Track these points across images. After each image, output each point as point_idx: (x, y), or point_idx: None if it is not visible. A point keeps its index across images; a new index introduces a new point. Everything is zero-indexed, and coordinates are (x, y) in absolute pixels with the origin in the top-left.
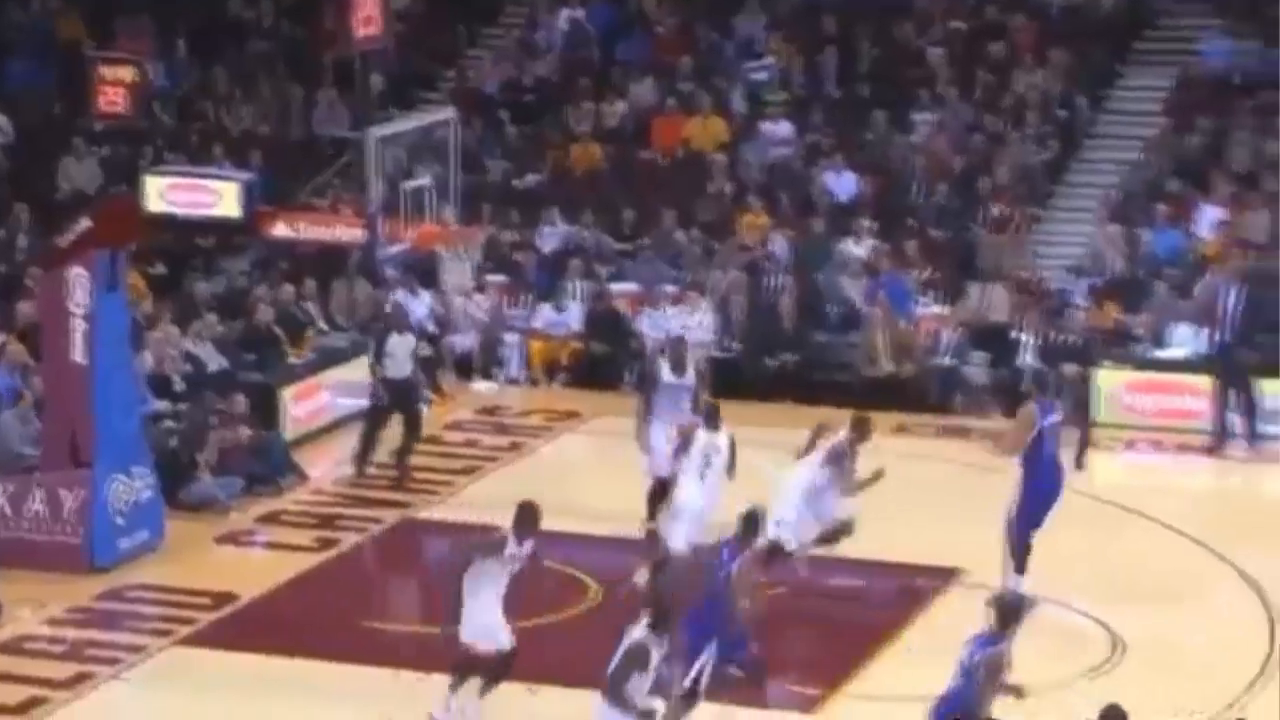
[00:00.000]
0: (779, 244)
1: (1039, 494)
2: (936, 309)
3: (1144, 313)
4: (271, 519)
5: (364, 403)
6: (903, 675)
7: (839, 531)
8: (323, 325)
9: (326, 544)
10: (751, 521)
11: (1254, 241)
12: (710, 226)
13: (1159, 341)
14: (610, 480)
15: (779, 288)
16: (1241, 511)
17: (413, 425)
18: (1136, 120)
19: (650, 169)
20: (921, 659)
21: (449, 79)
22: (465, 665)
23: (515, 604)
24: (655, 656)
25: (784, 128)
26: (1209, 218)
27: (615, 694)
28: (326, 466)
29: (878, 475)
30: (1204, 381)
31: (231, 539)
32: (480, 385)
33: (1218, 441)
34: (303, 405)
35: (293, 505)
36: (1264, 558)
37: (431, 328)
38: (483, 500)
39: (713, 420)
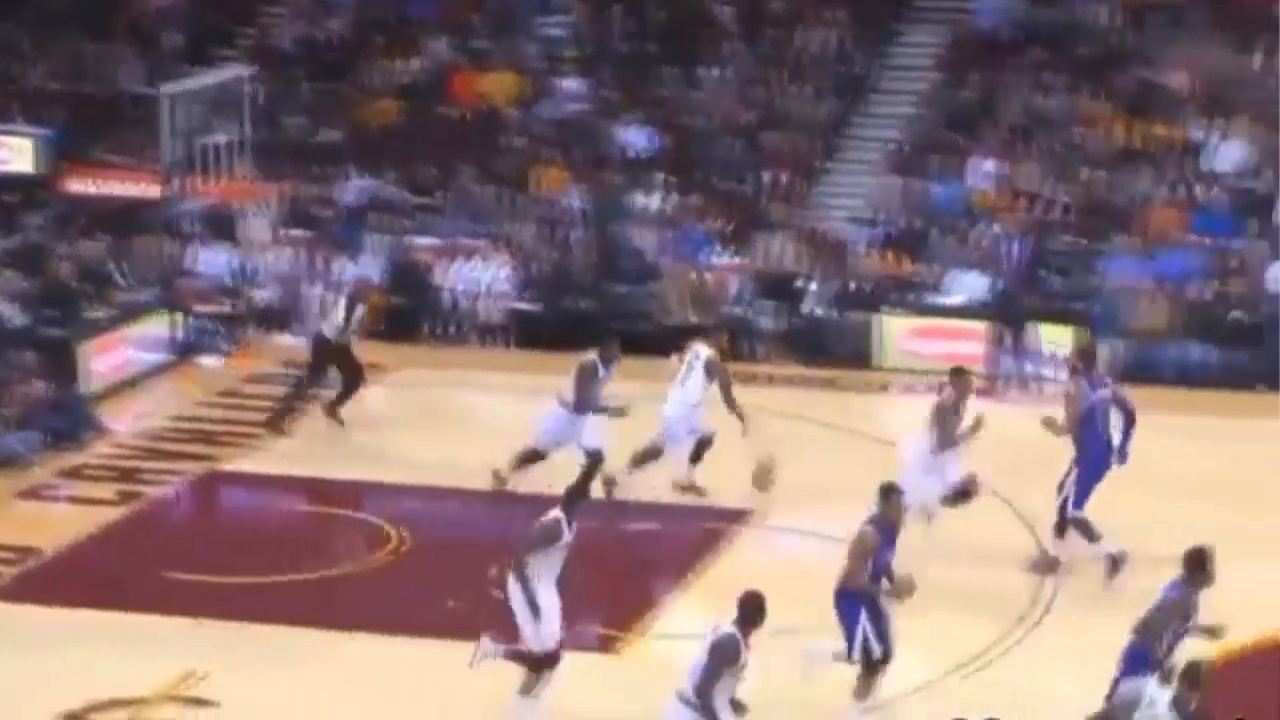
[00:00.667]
0: (575, 198)
1: (1093, 469)
2: (729, 259)
3: (925, 261)
4: (73, 473)
5: (164, 356)
6: (700, 614)
7: (966, 490)
8: (123, 280)
9: (129, 497)
10: (886, 493)
11: (1027, 191)
12: (507, 181)
13: (940, 289)
14: (412, 430)
15: (576, 240)
16: (1016, 452)
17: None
18: (914, 76)
19: (447, 124)
20: (718, 598)
21: (246, 36)
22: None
23: (319, 553)
24: (744, 654)
25: (578, 83)
26: (984, 169)
27: (703, 694)
28: (128, 420)
29: (978, 424)
30: (982, 327)
31: (33, 494)
32: (282, 339)
33: (994, 384)
34: (104, 360)
35: (94, 459)
36: (1038, 497)
37: (232, 282)
38: (285, 452)
39: (710, 339)
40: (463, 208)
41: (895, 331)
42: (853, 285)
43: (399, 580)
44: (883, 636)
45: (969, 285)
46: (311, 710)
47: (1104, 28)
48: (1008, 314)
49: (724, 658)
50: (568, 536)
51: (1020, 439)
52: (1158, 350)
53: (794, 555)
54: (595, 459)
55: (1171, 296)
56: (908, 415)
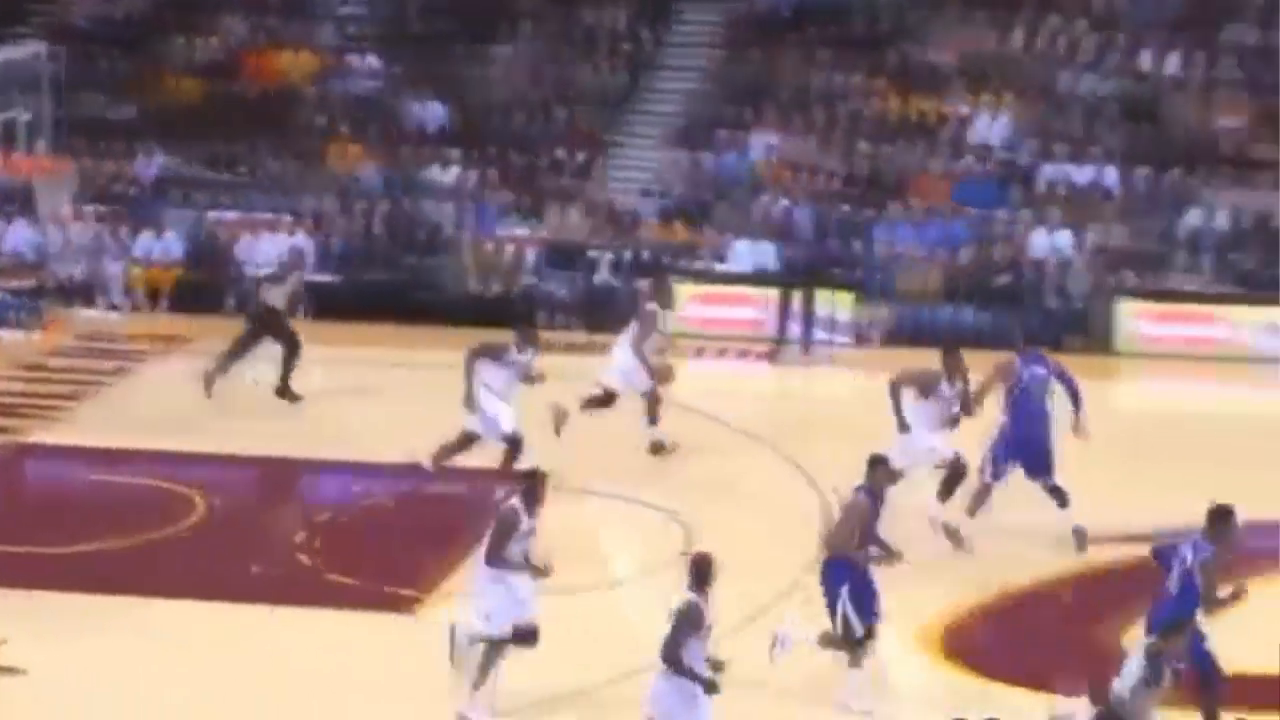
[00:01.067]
0: (371, 172)
1: (1014, 442)
2: (521, 231)
3: (710, 230)
4: None
5: None
6: None
7: (955, 471)
8: None
9: None
10: (874, 464)
11: (806, 163)
12: (305, 156)
13: (723, 257)
14: (213, 400)
15: (372, 214)
16: (798, 411)
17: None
18: (696, 52)
19: (245, 102)
20: None
21: (41, 12)
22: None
23: (123, 522)
24: (707, 616)
25: (373, 61)
26: (764, 142)
27: (673, 659)
28: None
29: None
30: (764, 293)
31: None
32: (84, 312)
33: (778, 348)
34: None
35: None
36: (818, 453)
37: (32, 257)
38: (88, 423)
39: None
40: (261, 183)
41: (681, 299)
42: (640, 254)
43: (203, 547)
44: (864, 611)
45: (752, 254)
46: (117, 676)
47: (876, 5)
48: (790, 281)
49: (688, 623)
50: (527, 523)
51: (804, 399)
52: (928, 314)
53: (588, 517)
54: (514, 445)
55: (941, 262)
56: (693, 380)
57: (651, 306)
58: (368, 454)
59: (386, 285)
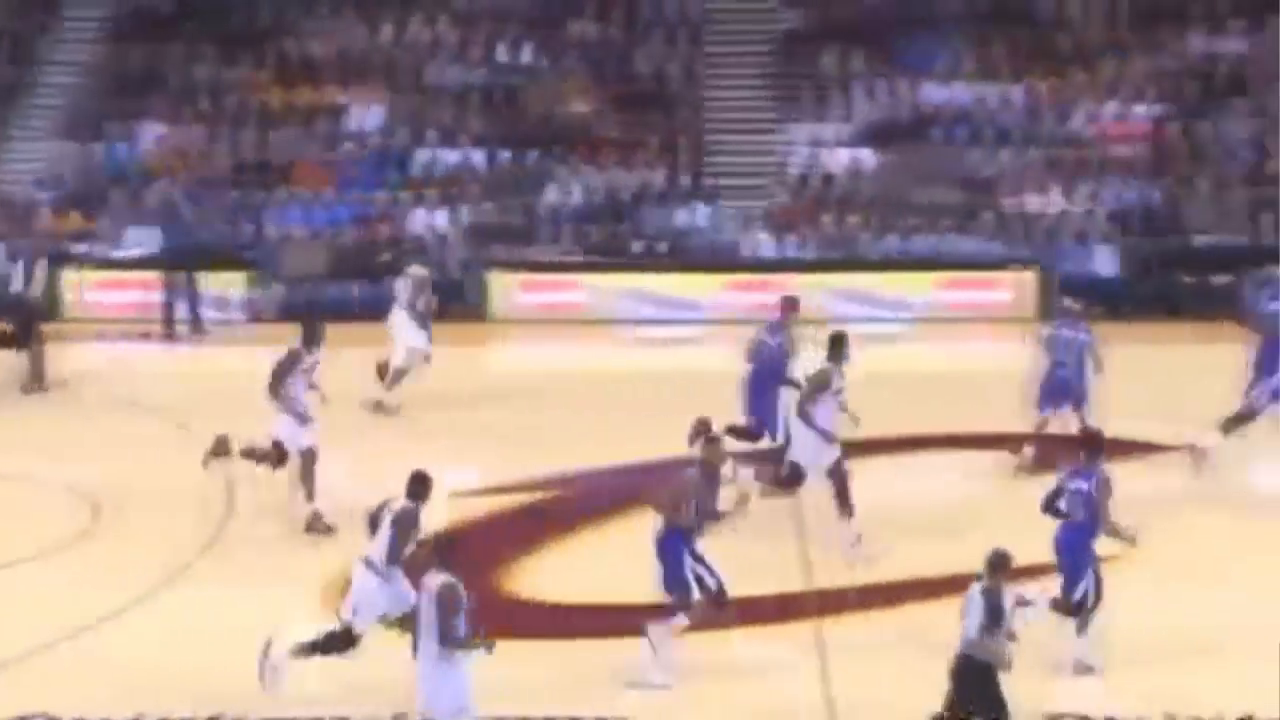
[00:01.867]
0: None
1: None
2: None
3: (103, 218)
4: None
5: None
6: None
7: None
8: None
9: None
10: (709, 440)
11: (194, 152)
12: None
13: (116, 243)
14: None
15: None
16: (201, 386)
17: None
18: (81, 46)
19: None
20: None
21: None
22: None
23: None
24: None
25: None
26: (152, 133)
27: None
28: None
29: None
30: (157, 276)
31: None
32: None
33: (169, 329)
34: None
35: None
36: (215, 424)
37: None
38: None
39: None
40: None
41: (78, 284)
42: (35, 243)
43: None
44: (711, 569)
45: (143, 239)
46: None
47: (255, 2)
48: (181, 264)
49: (455, 604)
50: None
51: (200, 375)
52: (317, 290)
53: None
54: (280, 452)
55: (327, 242)
56: (101, 362)
57: (423, 275)
58: None
59: None
